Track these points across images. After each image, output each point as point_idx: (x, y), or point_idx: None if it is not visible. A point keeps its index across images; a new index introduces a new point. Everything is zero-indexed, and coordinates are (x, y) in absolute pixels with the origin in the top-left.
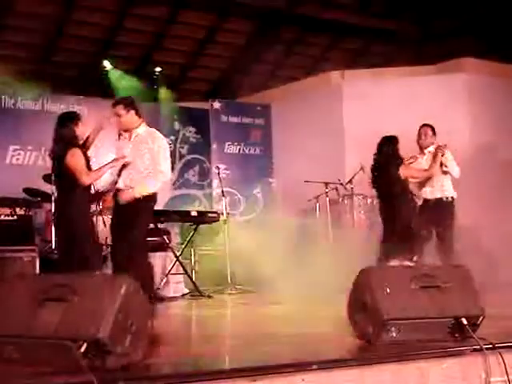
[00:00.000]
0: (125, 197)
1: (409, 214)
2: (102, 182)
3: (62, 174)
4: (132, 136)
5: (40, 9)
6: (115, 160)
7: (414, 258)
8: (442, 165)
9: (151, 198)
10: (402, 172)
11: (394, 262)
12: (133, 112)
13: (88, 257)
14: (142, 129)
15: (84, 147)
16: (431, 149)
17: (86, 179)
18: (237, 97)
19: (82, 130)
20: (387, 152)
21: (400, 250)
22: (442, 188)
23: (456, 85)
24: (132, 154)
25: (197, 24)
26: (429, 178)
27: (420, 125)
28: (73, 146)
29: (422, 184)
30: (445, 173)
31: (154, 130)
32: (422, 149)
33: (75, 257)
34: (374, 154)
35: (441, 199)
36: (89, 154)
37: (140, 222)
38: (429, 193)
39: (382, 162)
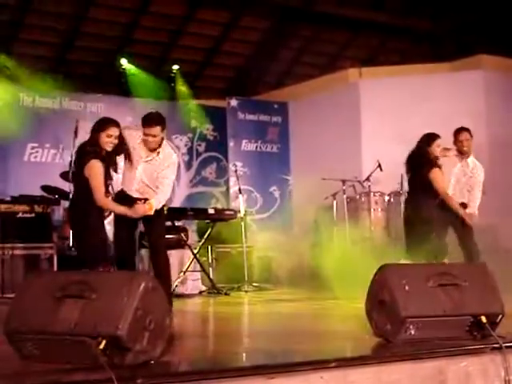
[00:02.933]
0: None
1: (433, 211)
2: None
3: (79, 181)
4: (152, 155)
5: (57, 7)
6: (132, 212)
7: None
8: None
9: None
10: (432, 174)
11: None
12: (165, 131)
13: (97, 253)
14: (164, 150)
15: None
16: (470, 160)
17: (100, 201)
18: (254, 94)
19: (109, 140)
20: (422, 151)
21: (423, 250)
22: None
23: (473, 82)
24: (144, 174)
25: (213, 21)
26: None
27: (456, 128)
28: (92, 156)
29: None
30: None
31: (171, 152)
32: (461, 154)
33: (87, 253)
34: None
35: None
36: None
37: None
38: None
39: (414, 158)
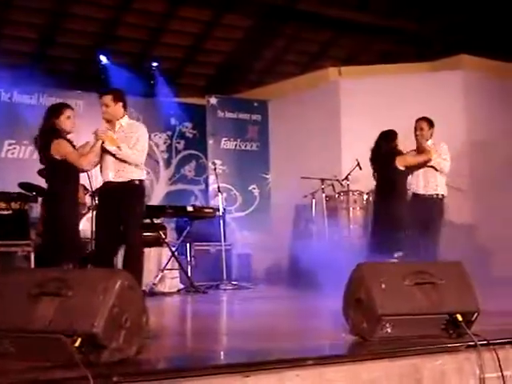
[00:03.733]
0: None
1: (401, 209)
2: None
3: (46, 167)
4: (116, 127)
5: (38, 3)
6: (99, 135)
7: (397, 255)
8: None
9: (143, 188)
10: (398, 162)
11: (379, 258)
12: (120, 104)
13: (66, 247)
14: (125, 120)
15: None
16: (429, 143)
17: (83, 162)
18: (235, 92)
19: (67, 123)
20: (385, 146)
21: (388, 245)
22: (434, 185)
23: (453, 82)
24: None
25: (194, 19)
26: (425, 164)
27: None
28: (55, 137)
29: (414, 179)
30: (435, 168)
31: (135, 122)
32: (419, 143)
33: (55, 246)
34: (372, 149)
35: (431, 196)
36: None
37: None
38: (421, 188)
39: (379, 156)
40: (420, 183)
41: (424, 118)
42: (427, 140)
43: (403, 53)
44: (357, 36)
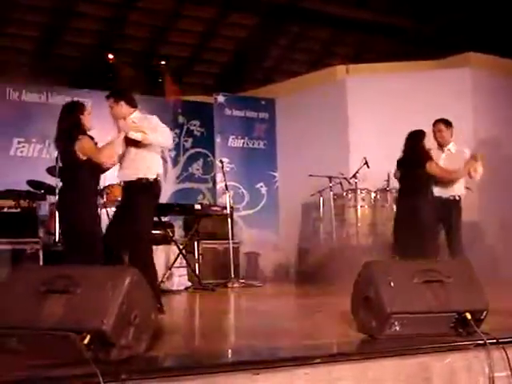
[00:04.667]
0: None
1: (428, 211)
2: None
3: (67, 166)
4: (127, 123)
5: (45, 2)
6: (119, 131)
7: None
8: (469, 174)
9: (154, 188)
10: (429, 169)
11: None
12: (122, 103)
13: (92, 250)
14: (135, 115)
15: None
16: (451, 146)
17: (101, 157)
18: (241, 91)
19: (88, 120)
20: (415, 146)
21: (416, 248)
22: (454, 186)
23: (460, 79)
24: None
25: (201, 17)
26: (454, 180)
27: (433, 121)
28: (80, 133)
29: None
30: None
31: (146, 115)
32: (440, 146)
33: (80, 250)
34: (403, 151)
35: (449, 197)
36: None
37: (143, 213)
38: (441, 190)
39: (408, 156)
40: (438, 186)
41: (441, 120)
42: (448, 143)
43: (409, 51)
44: (362, 34)
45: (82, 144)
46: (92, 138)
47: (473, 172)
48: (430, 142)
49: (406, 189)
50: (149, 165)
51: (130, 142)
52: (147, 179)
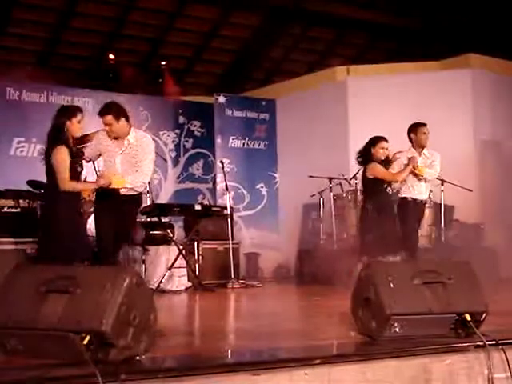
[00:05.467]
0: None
1: (379, 212)
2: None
3: (48, 171)
4: (124, 144)
5: (46, 1)
6: (100, 181)
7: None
8: (416, 175)
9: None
10: (368, 171)
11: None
12: (123, 119)
13: (74, 247)
14: (132, 135)
15: (78, 142)
16: (425, 150)
17: (63, 186)
18: (242, 91)
19: (75, 128)
20: (365, 151)
21: (377, 247)
22: (417, 190)
23: (461, 81)
24: (123, 165)
25: (202, 17)
26: (395, 182)
27: (414, 123)
28: (58, 143)
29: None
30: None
31: (142, 134)
32: (421, 148)
33: (60, 247)
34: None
35: (419, 201)
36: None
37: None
38: (412, 192)
39: (361, 160)
40: (409, 189)
41: (423, 124)
42: (422, 147)
43: (410, 52)
44: (363, 34)
45: (55, 154)
46: (71, 150)
47: (419, 173)
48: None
49: (362, 190)
50: (144, 181)
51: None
52: (140, 194)
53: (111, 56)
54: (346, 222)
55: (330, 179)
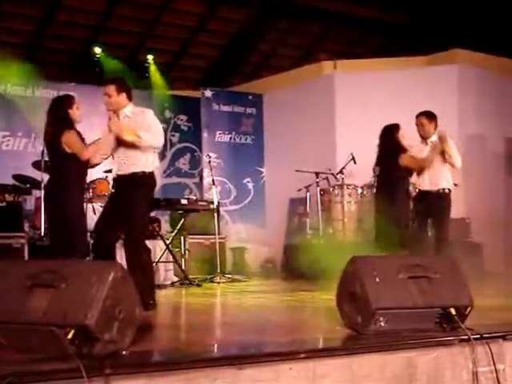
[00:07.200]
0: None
1: (404, 204)
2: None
3: (54, 158)
4: (120, 117)
5: None
6: (111, 128)
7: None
8: (444, 154)
9: (150, 180)
10: (402, 161)
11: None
12: (124, 94)
13: (75, 240)
14: (129, 109)
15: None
16: (434, 138)
17: (85, 153)
18: (229, 85)
19: (77, 114)
20: (387, 140)
21: (394, 242)
22: (440, 180)
23: (447, 76)
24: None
25: (189, 11)
26: (425, 168)
27: (415, 115)
28: (68, 127)
29: (420, 175)
30: (444, 163)
31: (141, 109)
32: (424, 138)
33: (64, 242)
34: (378, 145)
35: (438, 191)
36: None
37: (139, 207)
38: (427, 184)
39: (382, 151)
40: (425, 179)
41: (423, 113)
42: (431, 135)
43: (397, 47)
44: (350, 29)
45: (67, 138)
46: (79, 133)
47: (447, 158)
48: (408, 136)
49: (384, 183)
50: (146, 157)
51: (122, 142)
52: (144, 172)
53: (97, 50)
54: (333, 217)
55: (317, 174)
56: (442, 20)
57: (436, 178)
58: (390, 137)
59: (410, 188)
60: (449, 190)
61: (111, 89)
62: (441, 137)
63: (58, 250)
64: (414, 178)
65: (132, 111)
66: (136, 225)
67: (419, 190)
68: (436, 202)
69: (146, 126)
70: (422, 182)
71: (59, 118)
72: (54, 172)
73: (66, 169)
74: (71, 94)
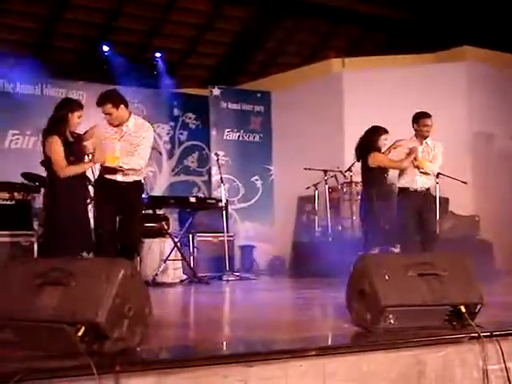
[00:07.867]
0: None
1: (379, 203)
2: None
3: (45, 159)
4: (122, 130)
5: None
6: (93, 161)
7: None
8: (417, 167)
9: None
10: (370, 160)
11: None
12: (122, 106)
13: (71, 245)
14: (131, 121)
15: (74, 137)
16: (428, 140)
17: (62, 173)
18: (236, 83)
19: (75, 121)
20: (366, 141)
21: (378, 238)
22: (427, 178)
23: (456, 73)
24: (122, 152)
25: (196, 10)
26: (401, 169)
27: (419, 112)
28: (52, 132)
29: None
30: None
31: (142, 121)
32: (423, 138)
33: (57, 245)
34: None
35: (426, 189)
36: (85, 143)
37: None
38: (409, 182)
39: (359, 150)
40: (413, 178)
41: (428, 115)
42: (425, 137)
43: (405, 44)
44: (358, 26)
45: (50, 144)
46: (75, 139)
47: (420, 166)
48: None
49: (363, 181)
50: (139, 163)
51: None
52: (140, 181)
53: (105, 48)
54: (341, 215)
55: (325, 172)
56: (448, 17)
57: (424, 177)
58: (371, 137)
59: (395, 186)
60: (427, 189)
61: (108, 107)
62: (412, 150)
63: (53, 243)
64: (403, 176)
65: (135, 124)
66: (136, 234)
67: (404, 187)
68: (424, 199)
69: (138, 142)
70: (411, 180)
71: (55, 118)
72: (48, 171)
73: (52, 173)
74: (78, 92)
